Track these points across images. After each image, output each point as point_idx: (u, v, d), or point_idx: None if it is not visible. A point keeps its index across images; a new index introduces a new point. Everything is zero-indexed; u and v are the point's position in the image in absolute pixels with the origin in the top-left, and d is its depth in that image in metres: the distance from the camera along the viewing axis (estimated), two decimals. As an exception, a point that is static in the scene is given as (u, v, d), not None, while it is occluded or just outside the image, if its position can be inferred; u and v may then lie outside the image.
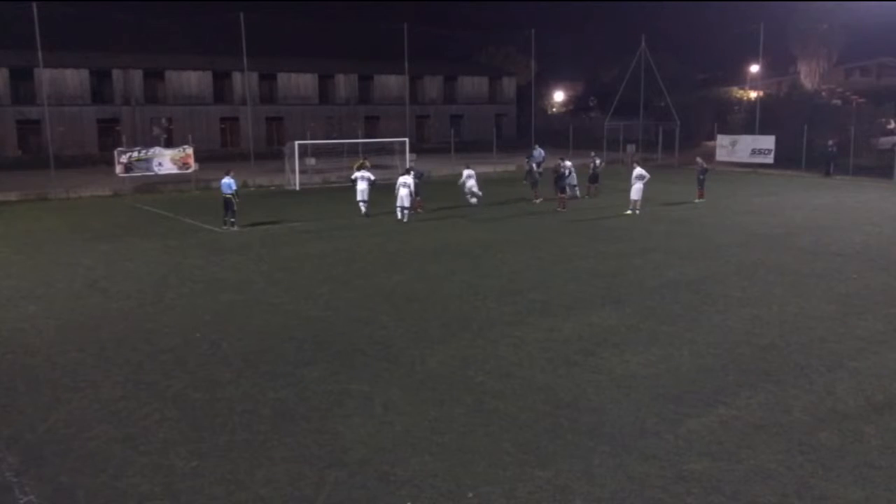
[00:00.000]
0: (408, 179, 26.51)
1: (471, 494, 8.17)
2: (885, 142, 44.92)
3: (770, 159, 44.47)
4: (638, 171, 27.58)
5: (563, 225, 25.49)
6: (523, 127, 66.13)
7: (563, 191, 29.62)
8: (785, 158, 43.81)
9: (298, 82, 62.77)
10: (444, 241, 22.81)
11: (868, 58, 72.16)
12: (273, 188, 38.14)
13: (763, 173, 42.34)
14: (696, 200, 30.70)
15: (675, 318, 14.62)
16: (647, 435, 9.56)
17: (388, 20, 56.74)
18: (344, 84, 64.92)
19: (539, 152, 40.41)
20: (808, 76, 71.73)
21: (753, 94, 63.75)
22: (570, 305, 15.53)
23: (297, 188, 37.30)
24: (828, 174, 40.86)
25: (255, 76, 57.83)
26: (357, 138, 47.26)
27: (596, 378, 11.53)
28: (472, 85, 71.67)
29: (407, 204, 26.38)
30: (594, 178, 33.51)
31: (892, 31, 39.53)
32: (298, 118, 58.19)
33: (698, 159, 32.06)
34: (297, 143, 38.17)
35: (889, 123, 47.93)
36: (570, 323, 14.31)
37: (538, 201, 30.48)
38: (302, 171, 37.95)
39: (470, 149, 52.51)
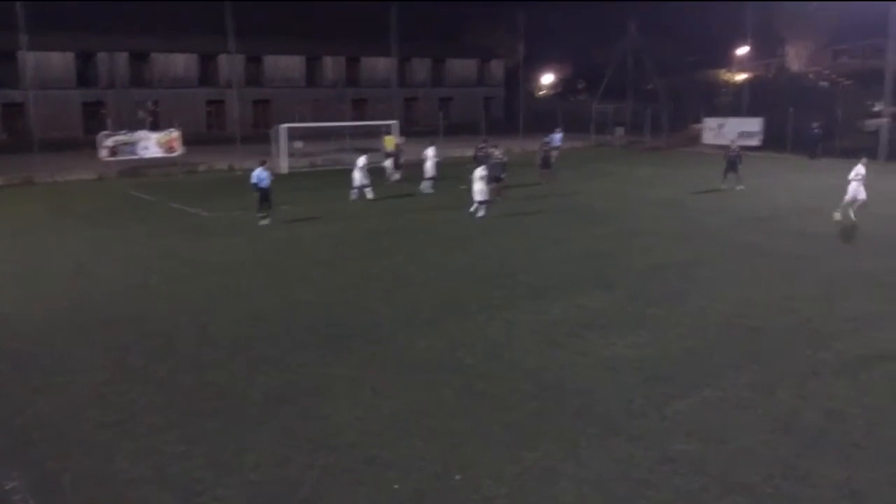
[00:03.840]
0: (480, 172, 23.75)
1: (458, 476, 8.21)
2: (872, 124, 45.04)
3: (757, 142, 44.56)
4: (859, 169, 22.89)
5: (553, 208, 25.49)
6: (511, 109, 65.96)
7: (497, 180, 26.54)
8: (772, 141, 43.93)
9: (285, 64, 62.34)
10: (436, 225, 22.79)
11: (856, 40, 72.23)
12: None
13: (750, 156, 42.37)
14: (738, 187, 29.08)
15: (663, 300, 14.69)
16: (634, 416, 9.63)
17: (377, 1, 56.33)
18: (331, 66, 64.53)
19: (557, 136, 39.85)
20: (795, 58, 71.82)
21: (741, 77, 63.80)
22: (559, 288, 15.57)
23: (286, 171, 37.13)
24: (814, 156, 41.00)
25: (241, 58, 57.30)
26: (345, 121, 47.08)
27: (583, 360, 11.59)
28: (461, 67, 71.38)
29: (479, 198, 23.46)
30: (546, 164, 32.10)
31: (880, 14, 39.49)
32: (286, 101, 57.76)
33: (732, 142, 30.96)
34: (284, 126, 37.95)
35: (875, 106, 48.01)
36: (559, 305, 14.35)
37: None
38: (290, 155, 37.77)
39: (459, 131, 52.33)
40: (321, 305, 14.63)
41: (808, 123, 42.25)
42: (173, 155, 37.43)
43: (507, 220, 22.96)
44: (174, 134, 37.66)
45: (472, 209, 23.39)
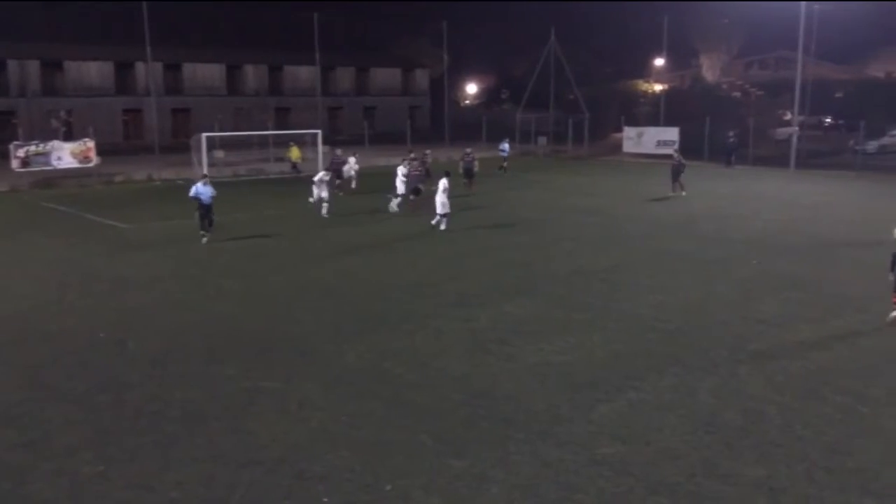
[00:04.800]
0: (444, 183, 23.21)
1: (388, 487, 8.15)
2: (782, 132, 46.95)
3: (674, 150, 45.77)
4: None
5: (477, 217, 25.65)
6: (437, 119, 66.27)
7: (416, 192, 26.64)
8: (688, 149, 45.22)
9: (205, 73, 61.18)
10: (361, 236, 22.66)
11: (766, 51, 75.23)
12: (180, 182, 37.04)
13: (668, 164, 43.56)
14: (683, 193, 29.87)
15: (587, 305, 14.94)
16: (561, 421, 9.74)
17: (299, 9, 55.87)
18: (253, 74, 63.65)
19: (506, 145, 41.64)
20: (709, 69, 74.34)
21: (658, 87, 65.61)
22: (485, 296, 15.66)
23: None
24: (729, 164, 42.41)
25: (159, 66, 56.03)
26: (267, 130, 46.45)
27: (511, 367, 11.67)
28: (385, 77, 71.36)
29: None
30: (468, 173, 32.39)
31: (789, 25, 41.21)
32: (206, 110, 56.62)
33: (674, 152, 31.53)
34: (204, 135, 37.19)
35: (786, 115, 50.10)
36: (486, 313, 14.44)
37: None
38: (210, 165, 37.00)
39: (384, 140, 52.27)
40: (244, 318, 14.36)
41: (722, 132, 43.69)
42: (89, 165, 36.24)
43: (433, 231, 23.00)
44: (89, 144, 36.47)
45: (433, 221, 22.92)
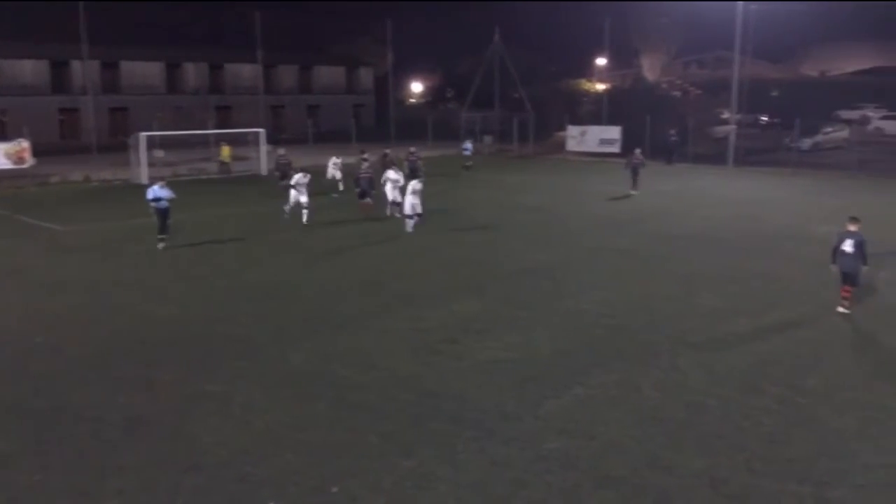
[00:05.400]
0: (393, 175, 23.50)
1: (335, 489, 8.08)
2: (721, 130, 47.96)
3: (617, 148, 46.46)
4: None
5: (424, 216, 25.60)
6: (382, 117, 66.06)
7: (363, 196, 25.13)
8: (631, 147, 45.85)
9: (144, 71, 59.83)
10: (308, 237, 22.43)
11: (705, 51, 76.85)
12: (118, 183, 36.21)
13: (610, 162, 44.21)
14: (632, 192, 30.14)
15: (533, 303, 15.04)
16: (509, 418, 9.79)
17: (240, 7, 55.13)
18: (193, 73, 62.51)
19: (469, 144, 42.38)
20: (650, 69, 75.62)
21: (601, 87, 66.48)
22: (431, 295, 15.65)
23: (146, 182, 35.58)
24: (670, 162, 43.17)
25: (96, 64, 54.67)
26: (208, 129, 45.69)
27: (458, 365, 11.69)
28: (329, 75, 70.80)
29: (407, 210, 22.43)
30: (413, 173, 32.60)
31: (726, 25, 42.14)
32: (145, 108, 55.37)
33: (636, 151, 31.87)
34: (143, 134, 36.39)
35: (723, 113, 51.20)
36: (433, 312, 14.43)
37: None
38: (150, 165, 36.22)
39: (328, 139, 51.88)
40: (185, 321, 14.09)
41: (663, 131, 44.45)
42: (23, 166, 35.12)
43: (378, 230, 22.91)
44: (24, 144, 35.35)
45: (403, 218, 22.60)
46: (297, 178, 23.82)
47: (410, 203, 22.22)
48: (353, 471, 8.46)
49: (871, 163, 38.21)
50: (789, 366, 11.59)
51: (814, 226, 22.76)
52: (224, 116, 59.75)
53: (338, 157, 32.09)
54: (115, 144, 46.49)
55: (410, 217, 22.23)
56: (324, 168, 31.80)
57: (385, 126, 59.76)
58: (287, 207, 23.88)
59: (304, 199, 23.49)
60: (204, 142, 43.22)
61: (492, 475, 8.37)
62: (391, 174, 24.99)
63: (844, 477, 8.28)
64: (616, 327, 13.50)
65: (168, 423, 9.70)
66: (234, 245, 21.00)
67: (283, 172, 29.74)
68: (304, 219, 23.40)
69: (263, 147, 38.91)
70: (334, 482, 8.21)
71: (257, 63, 56.25)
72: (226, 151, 38.30)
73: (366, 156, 28.71)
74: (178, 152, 40.54)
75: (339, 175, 31.20)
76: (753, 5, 42.24)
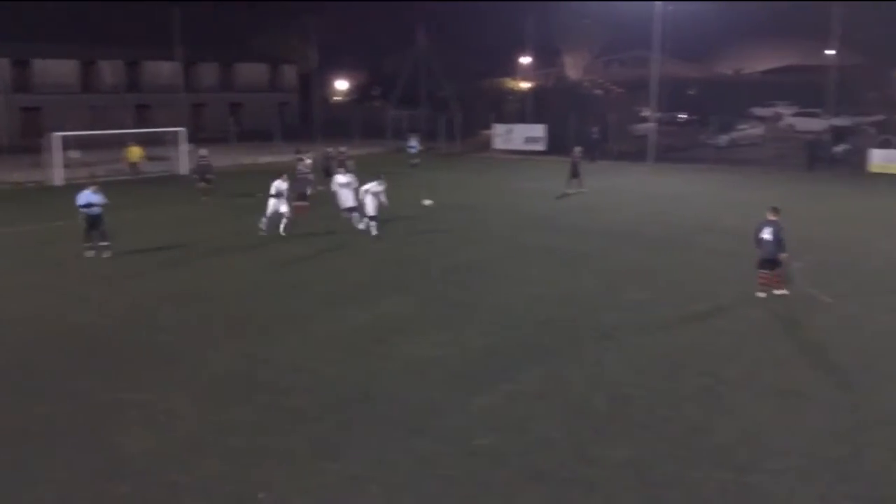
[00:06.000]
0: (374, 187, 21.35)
1: (261, 495, 7.94)
2: (641, 128, 49.05)
3: (542, 146, 47.07)
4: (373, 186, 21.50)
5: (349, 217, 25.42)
6: (307, 116, 65.31)
7: (302, 198, 24.62)
8: (555, 145, 46.57)
9: (57, 69, 57.64)
10: (227, 236, 21.97)
11: (625, 50, 78.43)
12: (32, 185, 34.82)
13: (536, 160, 44.73)
14: (571, 192, 29.92)
15: (461, 300, 15.09)
16: (439, 416, 9.79)
17: (158, 2, 53.69)
18: (110, 71, 60.58)
19: (415, 142, 42.18)
20: (572, 68, 76.85)
21: (525, 85, 67.19)
22: (359, 295, 15.54)
23: (61, 184, 34.33)
24: (593, 160, 43.90)
25: (6, 63, 52.48)
26: (126, 129, 44.37)
27: (387, 365, 11.63)
28: (252, 72, 69.53)
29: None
30: (328, 173, 31.39)
31: (645, 25, 43.11)
32: (59, 108, 53.38)
33: (576, 149, 31.89)
34: (57, 134, 35.08)
35: (643, 111, 52.37)
36: (360, 312, 14.33)
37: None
38: (65, 166, 34.96)
39: (251, 138, 51.02)
40: (104, 327, 13.64)
41: (587, 129, 45.21)
42: (-74, 168, 33.44)
43: (303, 230, 22.62)
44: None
45: (362, 226, 21.69)
46: (277, 184, 21.63)
47: (373, 205, 21.09)
48: (281, 476, 8.33)
49: (784, 158, 39.71)
50: (710, 355, 11.93)
51: (731, 219, 23.48)
52: (143, 115, 58.09)
53: (308, 157, 28.96)
54: (28, 145, 44.69)
55: (374, 218, 21.14)
56: (243, 169, 31.21)
57: (310, 124, 59.11)
58: (264, 219, 21.61)
59: (283, 208, 21.43)
60: (122, 142, 41.92)
61: (422, 474, 8.36)
62: (340, 178, 23.15)
63: (763, 463, 8.56)
64: (544, 322, 13.66)
65: (89, 432, 9.37)
66: (155, 248, 20.39)
67: (202, 174, 28.89)
68: (282, 228, 21.43)
69: (184, 147, 37.97)
70: (261, 488, 8.06)
71: (176, 60, 54.83)
72: (135, 152, 37.00)
73: (302, 155, 28.12)
74: (96, 153, 39.22)
75: (310, 176, 27.54)
76: (671, 5, 43.32)
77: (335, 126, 55.96)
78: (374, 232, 21.21)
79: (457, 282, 16.58)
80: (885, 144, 37.84)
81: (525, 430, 9.38)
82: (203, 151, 30.45)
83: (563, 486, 8.12)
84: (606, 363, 11.66)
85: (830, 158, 38.25)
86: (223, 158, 41.37)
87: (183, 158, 37.37)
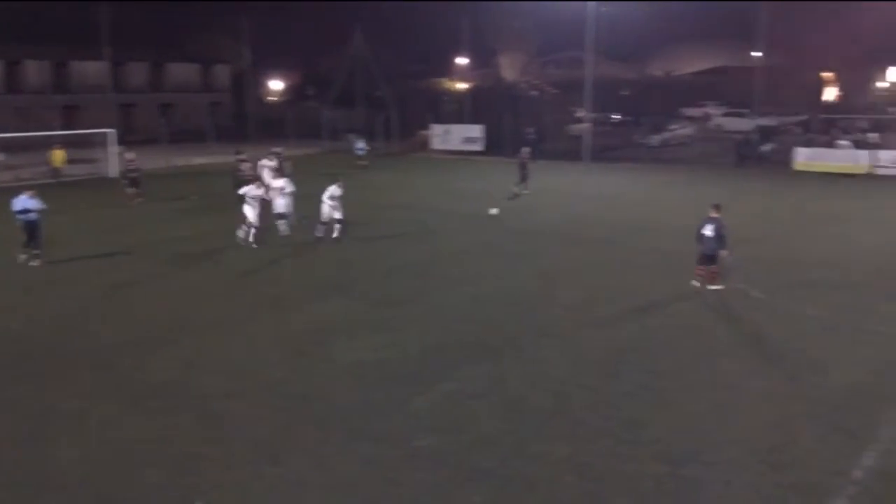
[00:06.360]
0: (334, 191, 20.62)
1: (199, 503, 7.80)
2: (576, 128, 49.71)
3: (480, 146, 47.33)
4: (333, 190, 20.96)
5: (288, 217, 25.13)
6: (241, 116, 64.33)
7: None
8: (493, 145, 46.88)
9: (-21, 69, 55.64)
10: (159, 241, 21.49)
11: (560, 51, 79.40)
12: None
13: (474, 160, 44.97)
14: (517, 191, 29.92)
15: (401, 301, 15.08)
16: (378, 418, 9.77)
17: (86, 1, 52.15)
18: (35, 71, 58.66)
19: (362, 143, 41.94)
20: (508, 69, 77.45)
21: (462, 86, 67.43)
22: (298, 297, 15.40)
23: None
24: (532, 159, 44.32)
25: (-79, 61, 50.39)
26: (53, 130, 42.99)
27: (328, 367, 11.56)
28: (183, 72, 68.17)
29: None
30: (279, 174, 31.45)
31: (579, 27, 43.71)
32: (-20, 109, 51.52)
33: (524, 150, 31.80)
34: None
35: (578, 112, 53.08)
36: (301, 315, 14.19)
37: None
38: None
39: (184, 139, 49.99)
40: (32, 334, 13.22)
41: (523, 129, 45.63)
42: None
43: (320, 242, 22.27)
44: None
45: (320, 233, 20.84)
46: (249, 189, 20.56)
47: (331, 208, 20.51)
48: (219, 482, 8.20)
49: (713, 157, 40.78)
50: (646, 351, 12.18)
51: (665, 217, 23.99)
52: (71, 116, 56.37)
53: (270, 160, 27.40)
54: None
55: (325, 224, 20.54)
56: (176, 170, 30.57)
57: (243, 125, 58.26)
58: (245, 227, 20.37)
59: (252, 216, 20.18)
60: (49, 144, 40.64)
61: (362, 476, 8.34)
62: (276, 182, 22.29)
63: (698, 455, 8.78)
64: (482, 321, 13.74)
65: (20, 442, 9.09)
66: (85, 255, 19.82)
67: (130, 179, 27.69)
68: (251, 238, 20.19)
69: (113, 148, 36.98)
70: (199, 495, 7.93)
71: (105, 60, 53.38)
72: (58, 156, 35.68)
73: (243, 156, 27.33)
74: (21, 156, 37.92)
75: (253, 176, 26.63)
76: (603, 6, 44.02)
77: (269, 126, 55.29)
78: (335, 234, 20.60)
79: (398, 282, 16.57)
80: (808, 143, 39.19)
81: (465, 430, 9.43)
82: (130, 155, 29.16)
83: (503, 484, 8.19)
84: (546, 361, 11.80)
85: (758, 157, 39.42)
86: (155, 160, 40.46)
87: (112, 161, 36.39)
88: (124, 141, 39.70)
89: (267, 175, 26.14)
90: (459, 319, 13.89)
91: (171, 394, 10.59)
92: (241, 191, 20.33)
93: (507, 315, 14.17)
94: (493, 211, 19.13)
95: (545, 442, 9.11)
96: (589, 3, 42.38)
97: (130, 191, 27.44)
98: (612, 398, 10.38)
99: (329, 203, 20.66)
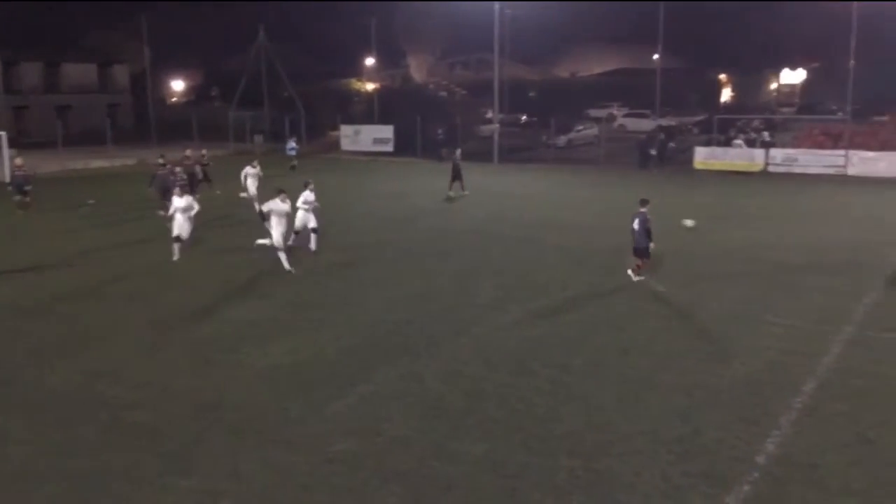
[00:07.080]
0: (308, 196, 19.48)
1: None
2: (486, 129, 50.25)
3: (390, 147, 47.29)
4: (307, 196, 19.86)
5: (202, 219, 24.46)
6: (142, 118, 62.33)
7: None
8: (403, 146, 46.91)
9: None
10: (55, 248, 20.61)
11: (468, 53, 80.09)
12: None
13: (384, 161, 44.89)
14: (466, 192, 29.89)
15: (317, 304, 14.91)
16: (292, 424, 9.63)
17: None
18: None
19: (293, 144, 41.71)
20: (417, 69, 77.64)
21: (371, 86, 67.18)
22: (209, 303, 15.01)
23: None
24: (441, 160, 44.56)
25: None
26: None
27: (239, 374, 11.31)
28: (79, 73, 65.46)
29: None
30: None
31: (486, 28, 44.18)
32: None
33: (458, 151, 31.47)
34: None
35: (487, 113, 53.65)
36: (211, 321, 13.85)
37: None
38: None
39: (82, 142, 48.05)
40: (-78, 349, 12.47)
41: (433, 130, 45.83)
42: None
43: (148, 234, 21.58)
44: None
45: (290, 242, 18.77)
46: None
47: (302, 218, 19.26)
48: (127, 496, 7.92)
49: (617, 156, 41.89)
50: (558, 347, 12.40)
51: (573, 216, 24.51)
52: (-43, 118, 53.44)
53: (254, 166, 26.75)
54: None
55: (297, 233, 19.28)
56: (73, 174, 29.37)
57: (145, 127, 56.45)
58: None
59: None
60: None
61: (277, 484, 8.19)
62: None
63: (609, 448, 8.99)
64: (399, 322, 13.72)
65: None
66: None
67: (19, 187, 25.76)
68: (176, 253, 18.73)
69: (4, 152, 35.20)
70: (107, 511, 7.64)
71: (-6, 59, 50.86)
72: None
73: (162, 161, 26.16)
74: None
75: (253, 190, 25.88)
76: (507, 6, 44.61)
77: (172, 128, 53.77)
78: (312, 245, 19.37)
79: (312, 285, 16.38)
80: (707, 142, 40.73)
81: (381, 432, 9.39)
82: (18, 161, 27.28)
83: (421, 485, 8.19)
84: (460, 359, 11.87)
85: (660, 156, 40.70)
86: (50, 164, 38.80)
87: (5, 165, 34.64)
88: (17, 144, 37.91)
89: (251, 184, 26.07)
90: (375, 321, 13.83)
91: (73, 405, 10.16)
92: (265, 207, 18.01)
93: (422, 314, 14.19)
94: (689, 223, 17.54)
95: (461, 441, 9.16)
96: (496, 3, 42.86)
97: (18, 199, 25.92)
98: (524, 394, 10.52)
99: (303, 208, 19.43)
